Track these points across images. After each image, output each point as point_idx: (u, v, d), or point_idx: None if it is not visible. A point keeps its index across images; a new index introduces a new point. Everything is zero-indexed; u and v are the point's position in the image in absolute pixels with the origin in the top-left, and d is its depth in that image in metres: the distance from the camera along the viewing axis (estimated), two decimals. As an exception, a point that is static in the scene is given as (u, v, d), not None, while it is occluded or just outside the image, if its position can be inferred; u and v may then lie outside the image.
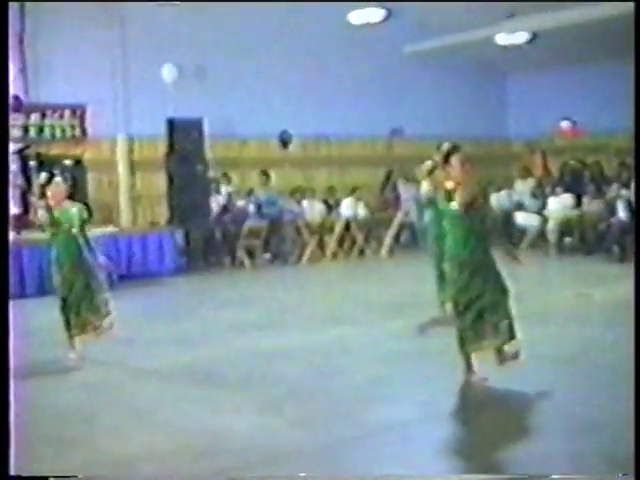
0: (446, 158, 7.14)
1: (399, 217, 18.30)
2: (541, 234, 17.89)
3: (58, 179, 9.07)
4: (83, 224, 8.95)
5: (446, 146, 7.19)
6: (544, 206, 18.26)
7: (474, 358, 7.33)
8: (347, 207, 18.28)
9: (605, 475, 5.29)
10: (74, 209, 8.94)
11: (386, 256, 18.02)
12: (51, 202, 8.81)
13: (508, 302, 7.23)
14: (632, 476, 4.80)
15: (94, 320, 8.83)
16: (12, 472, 4.56)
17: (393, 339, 9.50)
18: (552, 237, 17.62)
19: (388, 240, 18.23)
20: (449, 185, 7.14)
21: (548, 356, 7.99)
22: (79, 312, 8.80)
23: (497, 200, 17.44)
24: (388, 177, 20.05)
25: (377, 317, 10.94)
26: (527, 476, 5.41)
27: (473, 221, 7.14)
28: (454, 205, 7.11)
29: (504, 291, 7.23)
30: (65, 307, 8.81)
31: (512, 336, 7.18)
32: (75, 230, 8.84)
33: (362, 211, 18.37)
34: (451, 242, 7.28)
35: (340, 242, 17.96)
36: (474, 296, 7.19)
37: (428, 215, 10.24)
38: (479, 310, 7.18)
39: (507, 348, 7.17)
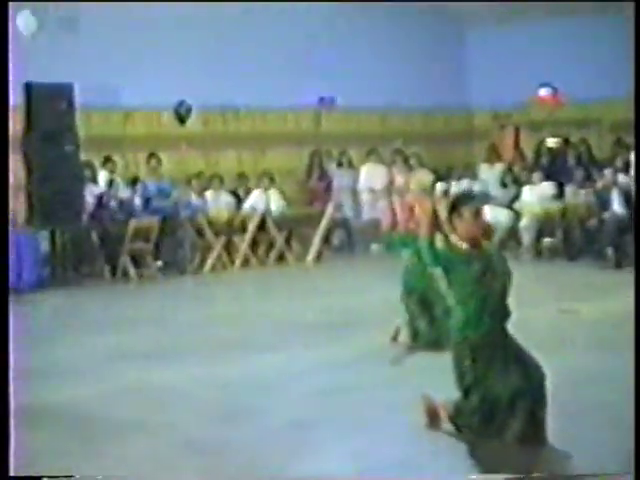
0: (454, 207, 6.94)
1: (330, 212, 18.34)
2: (513, 233, 18.03)
3: None
4: None
5: (455, 194, 7.02)
6: (517, 197, 18.41)
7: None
8: (255, 200, 18.29)
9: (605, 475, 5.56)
10: None
11: (313, 262, 18.07)
12: None
13: (543, 398, 6.90)
14: (632, 476, 5.20)
15: None
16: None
17: (322, 370, 9.53)
18: (527, 237, 17.77)
19: (316, 242, 18.27)
20: (462, 245, 6.86)
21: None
22: None
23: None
24: (313, 159, 20.04)
25: (302, 341, 10.96)
26: (528, 476, 5.78)
27: (491, 289, 6.93)
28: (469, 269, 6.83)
29: (533, 380, 6.92)
30: None
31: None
32: None
33: (275, 205, 18.34)
34: (459, 318, 6.88)
35: (253, 245, 17.97)
36: (487, 394, 6.86)
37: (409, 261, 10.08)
38: (492, 410, 6.89)
39: None
